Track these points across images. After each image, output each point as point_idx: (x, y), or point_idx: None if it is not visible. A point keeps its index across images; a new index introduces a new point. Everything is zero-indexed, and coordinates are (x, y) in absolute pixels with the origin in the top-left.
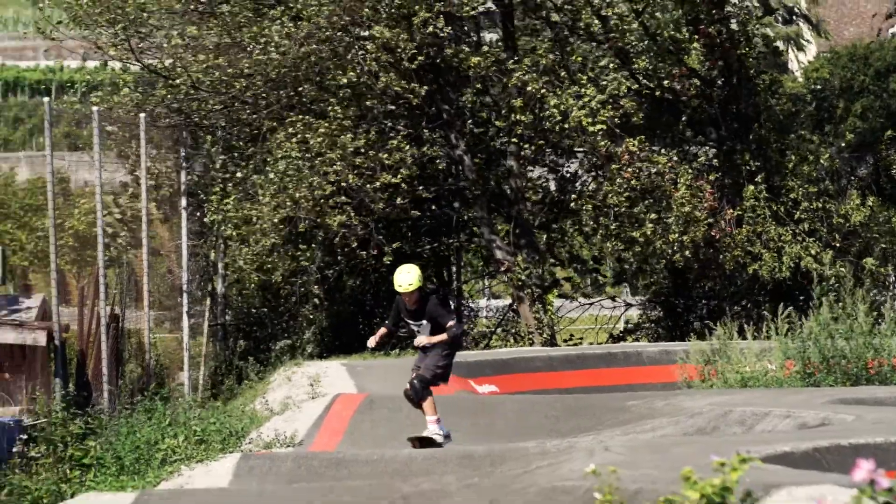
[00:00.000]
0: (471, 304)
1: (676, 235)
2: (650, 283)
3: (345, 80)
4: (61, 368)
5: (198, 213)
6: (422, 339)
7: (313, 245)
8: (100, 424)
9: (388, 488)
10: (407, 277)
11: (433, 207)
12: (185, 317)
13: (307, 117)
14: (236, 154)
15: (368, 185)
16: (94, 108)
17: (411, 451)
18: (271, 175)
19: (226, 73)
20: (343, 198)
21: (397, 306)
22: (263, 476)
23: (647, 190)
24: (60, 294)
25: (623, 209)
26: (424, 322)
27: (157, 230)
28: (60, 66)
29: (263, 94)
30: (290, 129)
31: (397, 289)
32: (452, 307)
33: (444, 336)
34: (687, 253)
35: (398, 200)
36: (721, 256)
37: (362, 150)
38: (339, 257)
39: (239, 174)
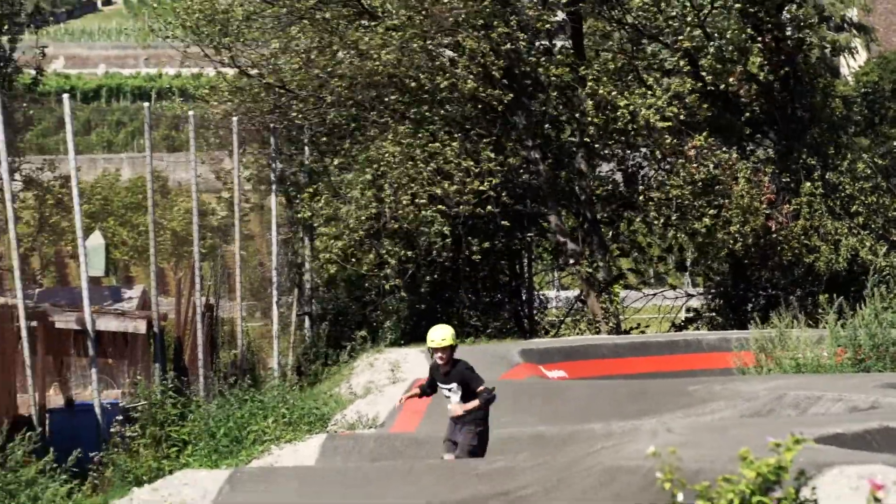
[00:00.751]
0: (541, 296)
1: (737, 227)
2: (710, 272)
3: (443, 84)
4: (160, 354)
5: (288, 209)
6: (456, 409)
7: (395, 240)
8: (195, 407)
9: (465, 465)
10: (441, 332)
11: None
12: (274, 307)
13: (405, 124)
14: (326, 152)
15: (459, 194)
16: (190, 113)
17: None
18: (368, 175)
19: (321, 73)
20: (440, 206)
21: (432, 369)
22: (347, 455)
23: (709, 184)
24: (159, 285)
25: (686, 202)
26: (455, 385)
27: (249, 226)
28: (159, 73)
29: (352, 98)
30: (391, 136)
31: (429, 344)
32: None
33: (476, 402)
34: (749, 241)
35: (488, 207)
36: (779, 248)
37: (451, 158)
38: (417, 254)
39: (333, 164)
